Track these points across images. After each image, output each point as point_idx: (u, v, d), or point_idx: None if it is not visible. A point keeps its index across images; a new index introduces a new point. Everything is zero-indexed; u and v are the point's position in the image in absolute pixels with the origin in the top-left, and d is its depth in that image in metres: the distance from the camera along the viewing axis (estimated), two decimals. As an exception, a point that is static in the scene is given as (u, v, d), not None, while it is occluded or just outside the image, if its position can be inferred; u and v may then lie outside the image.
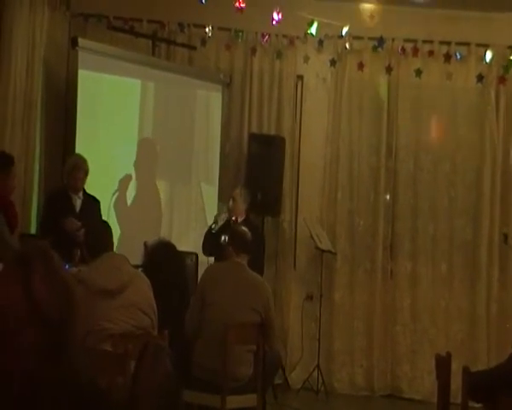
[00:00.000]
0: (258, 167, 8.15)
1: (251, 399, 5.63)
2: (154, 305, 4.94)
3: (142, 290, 4.93)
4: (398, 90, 8.52)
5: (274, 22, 7.87)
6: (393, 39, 8.42)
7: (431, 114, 8.48)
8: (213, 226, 7.65)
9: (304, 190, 8.59)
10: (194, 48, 8.44)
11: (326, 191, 8.58)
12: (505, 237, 8.30)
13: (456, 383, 4.61)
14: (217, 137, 8.48)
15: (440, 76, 8.41)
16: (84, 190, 6.95)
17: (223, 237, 7.17)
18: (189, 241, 7.95)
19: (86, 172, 6.89)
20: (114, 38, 8.13)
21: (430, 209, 8.46)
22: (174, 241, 6.34)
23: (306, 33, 8.17)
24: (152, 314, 4.90)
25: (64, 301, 1.97)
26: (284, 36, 8.47)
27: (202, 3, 7.45)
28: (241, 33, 8.48)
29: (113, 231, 5.33)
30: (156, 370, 2.69)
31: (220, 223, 7.61)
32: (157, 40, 8.24)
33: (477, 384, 4.38)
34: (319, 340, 8.23)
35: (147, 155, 8.05)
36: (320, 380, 8.06)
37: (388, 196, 8.52)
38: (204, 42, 8.43)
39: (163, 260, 5.74)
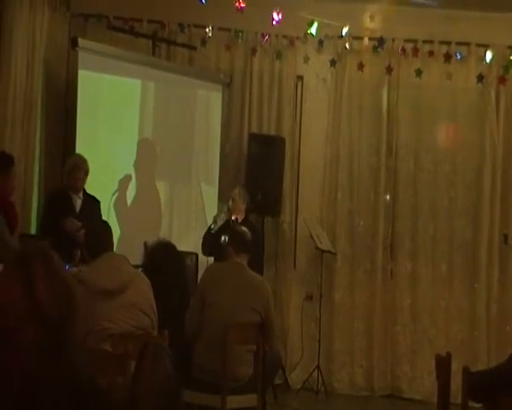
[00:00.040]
0: (258, 168, 8.15)
1: (251, 399, 5.63)
2: (154, 305, 4.94)
3: (142, 291, 4.93)
4: (399, 91, 8.52)
5: (274, 22, 7.87)
6: (393, 39, 8.42)
7: (431, 115, 8.47)
8: (212, 226, 7.65)
9: (304, 190, 8.59)
10: (194, 48, 8.45)
11: (326, 191, 8.58)
12: (505, 237, 8.30)
13: (456, 383, 4.61)
14: (217, 138, 8.48)
15: (440, 76, 8.41)
16: (85, 191, 6.95)
17: (223, 238, 7.17)
18: (189, 241, 7.95)
19: (86, 173, 6.89)
20: (114, 39, 8.13)
21: (430, 209, 8.46)
22: (174, 241, 6.34)
23: (306, 34, 8.18)
24: (152, 314, 4.91)
25: (64, 300, 1.97)
26: (284, 36, 8.47)
27: (202, 4, 7.46)
28: (241, 33, 8.48)
29: (113, 231, 5.32)
30: (156, 370, 2.69)
31: (219, 223, 7.61)
32: (157, 40, 8.24)
33: (477, 384, 4.39)
34: (319, 340, 8.23)
35: (147, 156, 8.05)
36: (320, 380, 8.06)
37: (388, 197, 8.52)
38: (204, 42, 8.43)
39: (163, 261, 5.74)
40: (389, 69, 8.43)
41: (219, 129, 8.47)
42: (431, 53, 8.38)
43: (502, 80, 8.35)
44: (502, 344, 8.00)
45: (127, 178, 7.71)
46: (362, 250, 8.50)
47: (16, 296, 1.91)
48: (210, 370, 5.48)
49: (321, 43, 8.43)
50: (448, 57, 8.35)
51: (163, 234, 7.72)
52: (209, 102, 8.59)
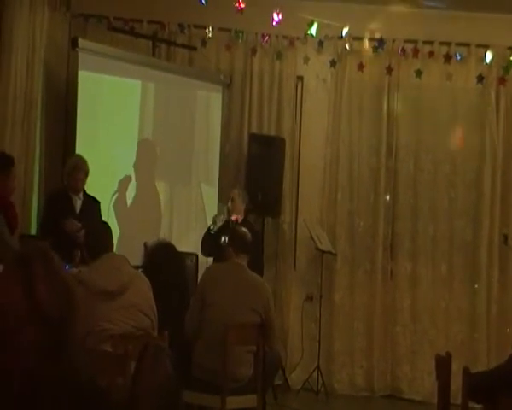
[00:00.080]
0: (258, 168, 8.15)
1: (251, 399, 5.62)
2: (154, 306, 4.94)
3: (142, 291, 4.93)
4: (399, 91, 8.52)
5: (274, 23, 7.88)
6: (394, 40, 8.42)
7: (431, 115, 8.47)
8: (212, 227, 7.64)
9: (304, 190, 8.59)
10: (194, 48, 8.45)
11: (326, 192, 8.58)
12: (505, 237, 8.30)
13: (456, 383, 4.61)
14: (217, 138, 8.48)
15: (440, 77, 8.41)
16: (85, 191, 6.95)
17: (223, 238, 7.17)
18: (189, 241, 7.95)
19: (86, 173, 6.89)
20: (114, 39, 8.13)
21: (430, 210, 8.46)
22: (174, 241, 6.34)
23: (306, 34, 8.18)
24: (152, 315, 4.91)
25: (64, 301, 1.97)
26: (284, 37, 8.47)
27: (202, 4, 7.46)
28: (241, 34, 8.48)
29: (113, 231, 5.32)
30: (156, 371, 2.70)
31: (219, 224, 7.60)
32: (157, 41, 8.25)
33: (477, 385, 4.38)
34: (319, 341, 8.23)
35: (147, 156, 8.05)
36: (320, 381, 8.06)
37: (388, 197, 8.52)
38: (204, 42, 8.43)
39: (163, 261, 5.74)
40: (389, 70, 8.43)
41: (219, 129, 8.47)
42: (431, 54, 8.39)
43: (502, 81, 8.35)
44: (502, 345, 8.00)
45: (127, 179, 7.71)
46: (362, 251, 8.50)
47: (16, 297, 1.91)
48: (210, 370, 5.48)
49: (321, 43, 8.43)
50: (448, 58, 8.36)
51: (163, 234, 7.72)
52: (209, 102, 8.59)
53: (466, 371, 4.36)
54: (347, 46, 8.41)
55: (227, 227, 7.34)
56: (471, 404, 4.43)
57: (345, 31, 8.25)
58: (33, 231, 7.36)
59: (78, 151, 7.19)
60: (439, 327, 8.38)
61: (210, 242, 7.55)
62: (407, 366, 8.38)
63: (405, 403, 8.25)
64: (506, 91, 8.40)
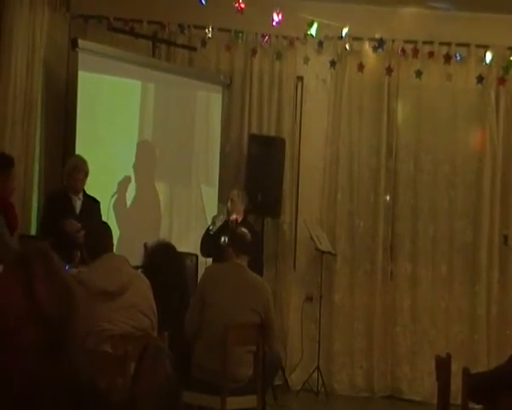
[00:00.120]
0: (258, 168, 8.15)
1: (251, 400, 5.62)
2: (154, 306, 4.94)
3: (142, 292, 4.93)
4: (398, 92, 8.52)
5: (274, 23, 7.88)
6: (393, 40, 8.42)
7: (431, 116, 8.47)
8: (211, 228, 7.64)
9: (304, 191, 8.59)
10: (194, 49, 8.45)
11: (326, 192, 8.58)
12: (505, 238, 8.30)
13: (456, 384, 4.61)
14: (217, 138, 8.48)
15: (440, 77, 8.41)
16: (84, 192, 6.95)
17: (223, 239, 7.18)
18: (188, 242, 7.95)
19: (86, 174, 6.89)
20: (114, 40, 8.13)
21: (430, 210, 8.46)
22: (174, 242, 6.34)
23: (306, 34, 8.18)
24: (152, 316, 4.90)
25: (64, 301, 1.97)
26: (284, 37, 8.47)
27: (202, 4, 7.46)
28: (241, 34, 8.48)
29: (113, 232, 5.32)
30: (156, 371, 2.69)
31: (218, 224, 7.60)
32: (157, 41, 8.24)
33: (477, 386, 4.38)
34: (319, 341, 8.23)
35: (146, 157, 8.05)
36: (320, 381, 8.06)
37: (388, 198, 8.52)
38: (204, 43, 8.43)
39: (163, 262, 5.74)
40: (389, 70, 8.44)
41: (219, 130, 8.47)
42: (431, 54, 8.39)
43: (501, 81, 8.36)
44: (502, 345, 7.99)
45: (127, 180, 7.71)
46: (362, 251, 8.50)
47: (16, 297, 1.91)
48: (210, 370, 5.48)
49: (321, 43, 8.43)
50: (448, 58, 8.36)
51: (163, 235, 7.72)
52: (209, 102, 8.59)
53: (466, 371, 4.36)
54: (347, 46, 8.41)
55: (226, 228, 7.35)
56: (471, 405, 4.44)
57: (345, 31, 8.25)
58: (33, 232, 7.36)
59: (77, 151, 7.19)
60: (439, 328, 8.38)
61: (209, 242, 7.55)
62: (407, 367, 8.38)
63: (405, 404, 8.25)
64: (506, 92, 8.40)
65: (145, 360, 2.82)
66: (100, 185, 7.23)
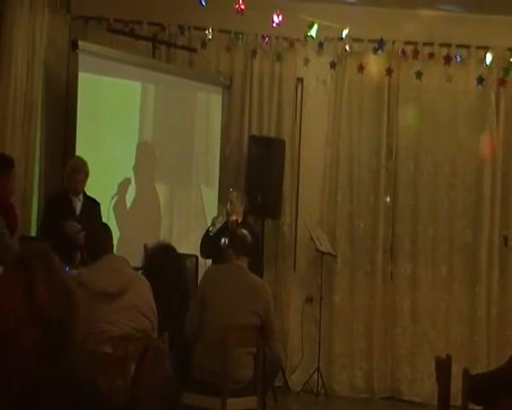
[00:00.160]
0: (259, 170, 8.15)
1: (251, 401, 5.63)
2: (154, 307, 4.94)
3: (143, 293, 4.93)
4: (399, 93, 8.52)
5: (274, 24, 7.88)
6: (394, 42, 8.43)
7: (431, 117, 8.47)
8: (211, 229, 7.63)
9: (304, 192, 8.59)
10: (194, 50, 8.45)
11: (326, 194, 8.58)
12: (505, 239, 8.30)
13: (457, 385, 4.61)
14: (217, 140, 8.48)
15: (440, 78, 8.42)
16: (85, 193, 6.95)
17: (223, 240, 7.17)
18: (189, 243, 7.94)
19: (86, 175, 6.89)
20: (115, 41, 8.13)
21: (430, 211, 8.46)
22: (174, 243, 6.35)
23: (306, 36, 8.19)
24: (152, 317, 4.90)
25: (64, 303, 1.97)
26: (284, 38, 8.47)
27: (202, 6, 7.46)
28: (241, 35, 8.48)
29: (113, 233, 5.32)
30: (156, 372, 2.69)
31: (218, 225, 7.59)
32: (157, 42, 8.24)
33: (477, 387, 4.38)
34: (319, 342, 8.23)
35: (146, 159, 8.05)
36: (320, 382, 8.06)
37: (388, 199, 8.52)
38: (204, 44, 8.43)
39: (163, 263, 5.74)
40: (389, 71, 8.44)
41: (219, 131, 8.47)
42: (431, 55, 8.39)
43: (502, 82, 8.36)
44: (502, 346, 7.99)
45: (127, 182, 7.71)
46: (362, 252, 8.50)
47: (16, 298, 1.92)
48: (210, 372, 5.48)
49: (321, 45, 8.43)
50: (448, 59, 8.36)
51: (163, 236, 7.72)
52: (209, 104, 8.59)
53: (466, 372, 4.36)
54: (347, 48, 8.41)
55: (226, 229, 7.35)
56: (471, 406, 4.43)
57: (345, 32, 8.25)
58: (33, 233, 7.36)
59: (78, 153, 7.19)
60: (439, 329, 8.38)
61: (209, 244, 7.54)
62: (407, 368, 8.38)
63: (405, 405, 8.25)
64: (506, 93, 8.40)
65: (145, 362, 2.82)
66: (100, 187, 7.23)
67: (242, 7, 7.33)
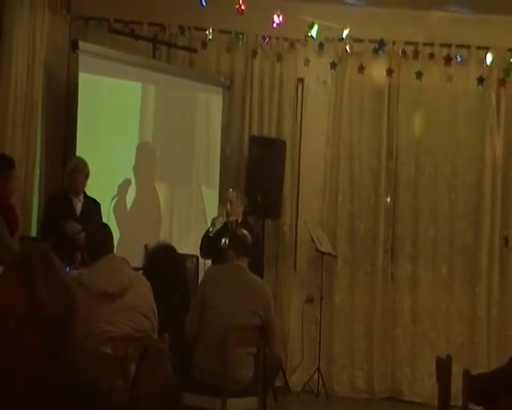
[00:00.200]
0: (259, 170, 8.16)
1: (251, 402, 5.62)
2: (155, 308, 4.94)
3: (143, 293, 4.93)
4: (399, 93, 8.52)
5: (274, 25, 7.88)
6: (394, 42, 8.43)
7: (431, 117, 8.47)
8: (211, 230, 7.62)
9: (304, 192, 8.59)
10: (194, 51, 8.45)
11: (326, 194, 8.58)
12: (506, 239, 8.30)
13: (457, 385, 4.61)
14: (217, 140, 8.48)
15: (441, 78, 8.42)
16: (85, 193, 6.95)
17: (223, 240, 7.17)
18: (189, 244, 7.94)
19: (87, 175, 6.89)
20: (115, 41, 8.13)
21: (431, 212, 8.46)
22: (175, 244, 6.35)
23: (307, 36, 8.19)
24: (152, 317, 4.90)
25: (64, 303, 1.97)
26: (285, 39, 8.47)
27: (203, 6, 7.46)
28: (241, 36, 8.48)
29: (113, 234, 5.32)
30: (156, 373, 2.69)
31: (218, 226, 7.58)
32: (158, 43, 8.25)
33: (477, 387, 4.38)
34: (319, 343, 8.23)
35: (146, 160, 8.05)
36: (320, 383, 8.06)
37: (389, 199, 8.52)
38: (205, 44, 8.43)
39: (163, 263, 5.74)
40: (389, 72, 8.44)
41: (220, 131, 8.47)
42: (431, 55, 8.39)
43: (502, 83, 8.36)
44: (502, 347, 7.99)
45: (127, 183, 7.71)
46: (362, 253, 8.49)
47: (18, 298, 1.92)
48: (210, 372, 5.48)
49: (321, 45, 8.43)
50: (448, 60, 8.36)
51: (163, 237, 7.72)
52: (209, 104, 8.59)
53: (466, 373, 4.36)
54: (348, 48, 8.41)
55: (226, 229, 7.34)
56: (471, 406, 4.43)
57: (345, 33, 8.26)
58: (34, 234, 7.36)
59: (78, 153, 7.19)
60: (440, 329, 8.38)
61: (208, 244, 7.53)
62: (407, 368, 8.37)
63: (406, 405, 8.24)
64: (506, 93, 8.40)
65: (146, 362, 2.82)
66: (100, 187, 7.23)
67: (243, 7, 7.33)
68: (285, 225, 8.52)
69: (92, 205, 6.95)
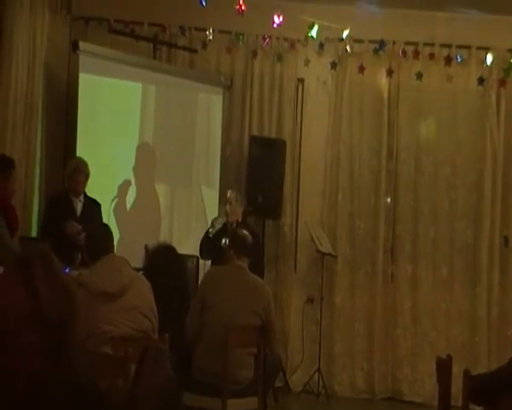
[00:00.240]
0: (259, 170, 8.16)
1: (252, 402, 5.62)
2: (155, 308, 4.94)
3: (143, 293, 4.93)
4: (399, 93, 8.52)
5: (275, 25, 7.88)
6: (394, 42, 8.43)
7: (432, 117, 8.47)
8: (210, 230, 7.62)
9: (304, 192, 8.59)
10: (195, 51, 8.45)
11: (327, 194, 8.58)
12: (506, 239, 8.30)
13: (457, 386, 4.61)
14: (217, 140, 8.48)
15: (441, 79, 8.42)
16: (85, 194, 6.95)
17: (223, 241, 7.17)
18: (189, 244, 7.94)
19: (87, 176, 6.90)
20: (115, 42, 8.14)
21: (431, 212, 8.46)
22: (175, 244, 6.34)
23: (307, 36, 8.19)
24: (152, 317, 4.90)
25: (64, 303, 1.97)
26: (285, 39, 8.47)
27: (203, 6, 7.46)
28: (241, 36, 8.48)
29: (113, 234, 5.32)
30: (156, 373, 2.69)
31: (217, 227, 7.58)
32: (158, 43, 8.25)
33: (478, 387, 4.38)
34: (320, 343, 8.23)
35: (146, 159, 8.05)
36: (321, 383, 8.06)
37: (389, 199, 8.52)
38: (205, 45, 8.44)
39: (163, 264, 5.74)
40: (390, 72, 8.44)
41: (220, 132, 8.48)
42: (432, 56, 8.39)
43: (502, 83, 8.36)
44: (502, 347, 8.00)
45: (127, 183, 7.71)
46: (362, 253, 8.50)
47: (18, 298, 1.92)
48: (210, 372, 5.48)
49: (321, 45, 8.43)
50: (449, 60, 8.36)
51: (163, 237, 7.72)
52: (210, 104, 8.60)
53: (467, 373, 4.36)
54: (348, 48, 8.42)
55: (225, 230, 7.34)
56: (472, 406, 4.43)
57: (345, 33, 8.26)
58: (34, 234, 7.36)
59: (78, 154, 7.19)
60: (440, 329, 8.38)
61: (208, 245, 7.53)
62: (408, 369, 8.37)
63: (406, 405, 8.24)
64: (506, 94, 8.40)
65: (146, 362, 2.82)
66: (101, 187, 7.23)
67: (243, 7, 7.33)
68: (285, 225, 8.52)
69: (92, 205, 6.95)
